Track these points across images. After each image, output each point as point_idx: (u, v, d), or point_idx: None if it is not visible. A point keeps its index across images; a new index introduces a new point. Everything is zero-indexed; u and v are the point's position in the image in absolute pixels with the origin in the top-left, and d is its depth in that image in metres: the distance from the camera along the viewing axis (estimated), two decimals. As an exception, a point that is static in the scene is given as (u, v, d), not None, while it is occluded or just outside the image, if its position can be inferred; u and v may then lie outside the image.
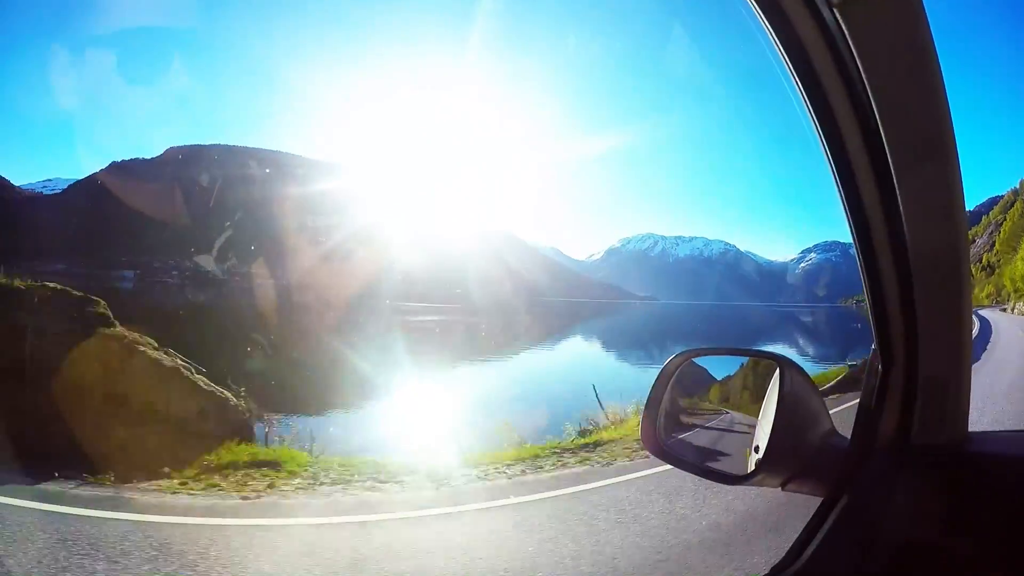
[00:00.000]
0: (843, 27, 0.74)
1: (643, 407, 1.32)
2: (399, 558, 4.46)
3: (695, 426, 1.36)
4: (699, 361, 1.39)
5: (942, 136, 0.84)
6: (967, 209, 0.97)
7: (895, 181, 0.87)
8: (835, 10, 0.73)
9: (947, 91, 0.80)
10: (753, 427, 1.21)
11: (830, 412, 1.18)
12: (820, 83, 0.82)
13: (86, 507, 5.10)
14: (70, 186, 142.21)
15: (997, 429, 1.51)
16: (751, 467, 1.14)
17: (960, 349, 1.06)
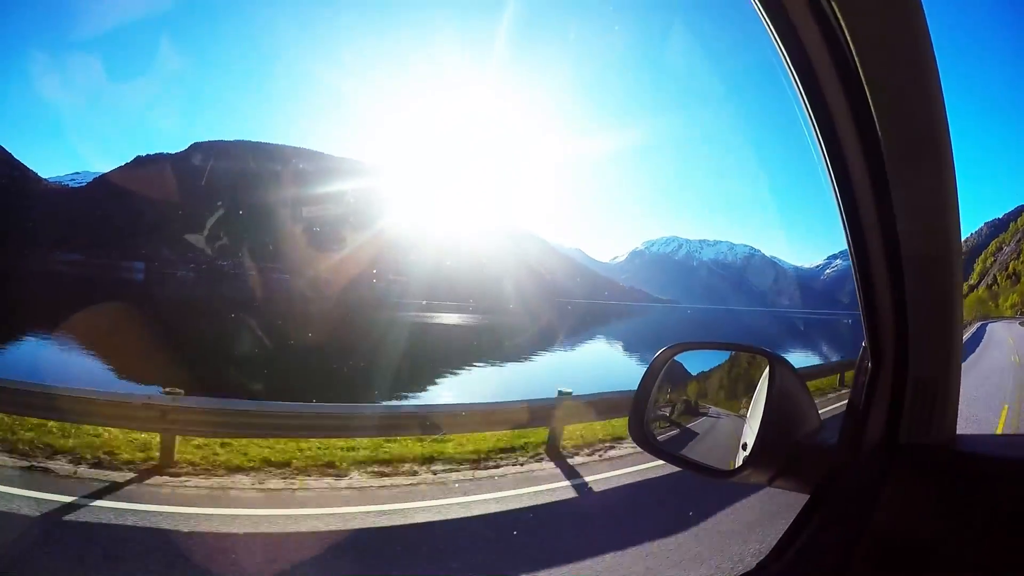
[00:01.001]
0: (845, 31, 0.75)
1: (632, 401, 1.31)
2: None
3: (684, 420, 1.36)
4: (689, 355, 1.38)
5: (937, 140, 0.85)
6: (959, 210, 0.94)
7: (889, 183, 0.88)
8: (838, 15, 0.74)
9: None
10: (742, 423, 1.21)
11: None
12: (818, 82, 0.82)
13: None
14: (95, 179, 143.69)
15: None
16: (739, 463, 1.13)
17: (950, 351, 1.06)
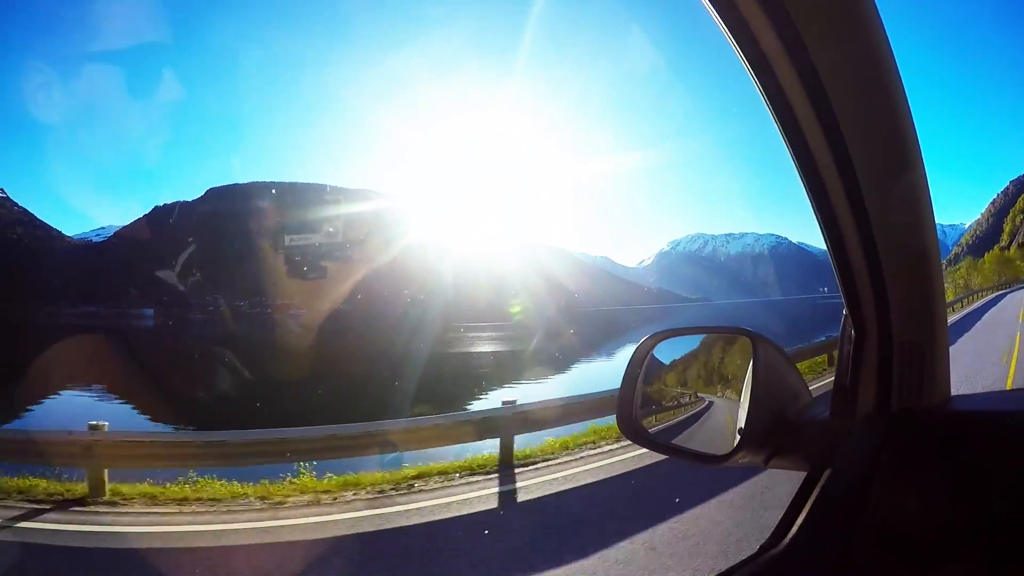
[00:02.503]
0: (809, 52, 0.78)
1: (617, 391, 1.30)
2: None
3: (675, 409, 1.35)
4: (674, 342, 1.37)
5: (891, 97, 0.86)
6: (926, 173, 0.95)
7: (850, 153, 0.88)
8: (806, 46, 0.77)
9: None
10: (736, 406, 1.20)
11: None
12: (775, 74, 0.83)
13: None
14: (115, 232, 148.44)
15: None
16: (734, 446, 1.12)
17: (933, 313, 1.06)
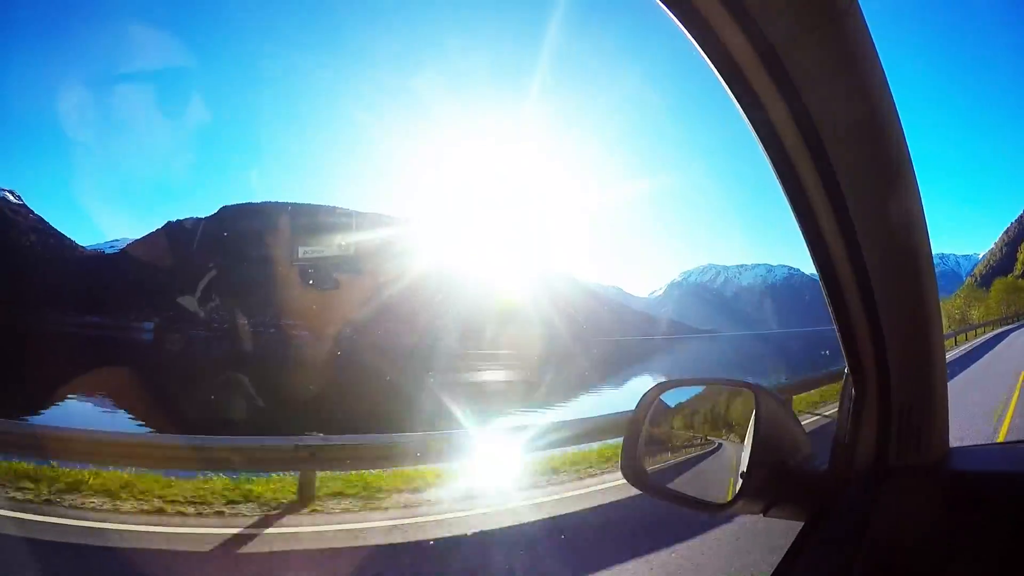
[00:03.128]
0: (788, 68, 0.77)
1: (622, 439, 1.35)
2: None
3: (678, 457, 1.38)
4: (679, 392, 1.42)
5: (897, 164, 0.87)
6: (927, 228, 0.95)
7: (850, 212, 0.88)
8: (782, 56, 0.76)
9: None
10: (737, 456, 1.22)
11: None
12: (766, 113, 0.82)
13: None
14: (128, 245, 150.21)
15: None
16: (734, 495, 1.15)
17: (931, 373, 1.08)
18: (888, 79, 0.83)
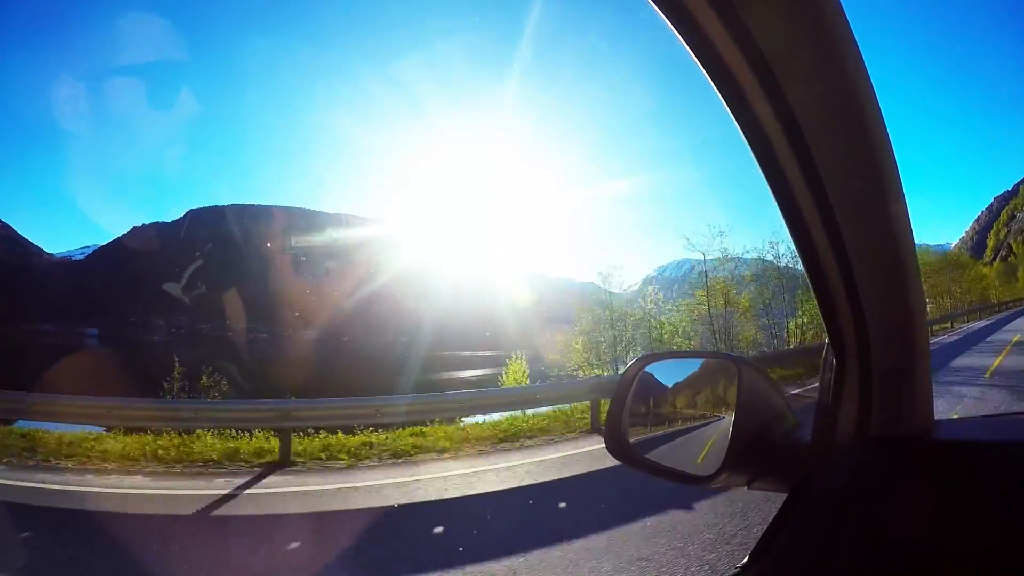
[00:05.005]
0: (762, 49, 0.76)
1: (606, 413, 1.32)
2: None
3: (662, 430, 1.35)
4: (663, 365, 1.40)
5: (874, 141, 0.86)
6: (904, 196, 0.94)
7: (822, 177, 0.88)
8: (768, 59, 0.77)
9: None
10: (722, 429, 1.18)
11: None
12: (741, 89, 0.81)
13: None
14: (93, 251, 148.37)
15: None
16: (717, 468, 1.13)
17: (913, 341, 1.06)
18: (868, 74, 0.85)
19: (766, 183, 0.92)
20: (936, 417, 1.15)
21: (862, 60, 0.80)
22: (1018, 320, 38.44)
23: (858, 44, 0.79)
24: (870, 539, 0.99)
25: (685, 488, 5.44)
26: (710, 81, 0.80)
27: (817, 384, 1.20)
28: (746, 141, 0.87)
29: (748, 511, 5.72)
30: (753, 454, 1.09)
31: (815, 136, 0.84)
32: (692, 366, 1.43)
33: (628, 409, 1.32)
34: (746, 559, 1.09)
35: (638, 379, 1.35)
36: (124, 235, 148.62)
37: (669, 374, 1.40)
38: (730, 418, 1.15)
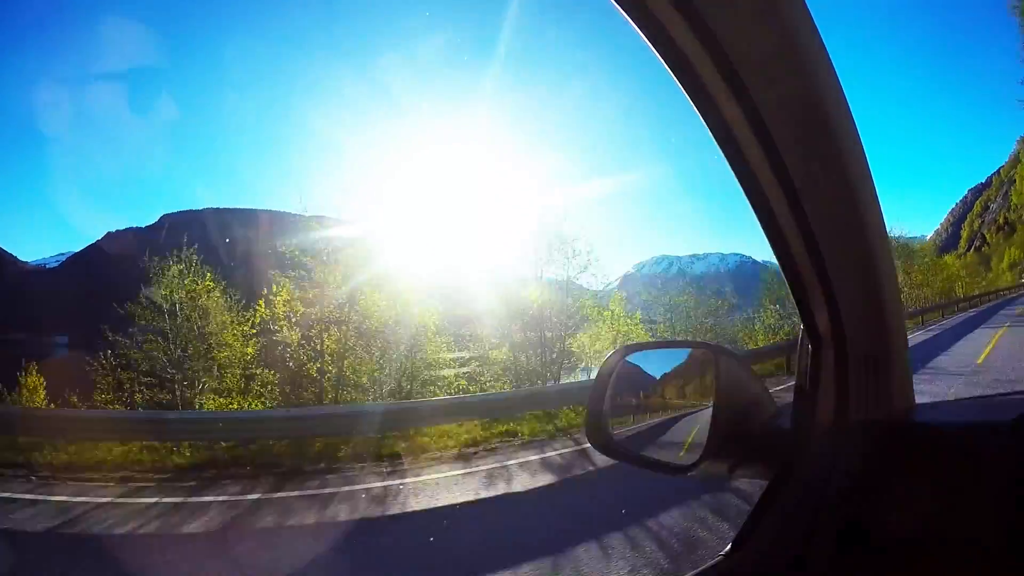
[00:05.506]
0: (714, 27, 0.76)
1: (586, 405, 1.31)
2: None
3: (643, 421, 1.34)
4: (644, 356, 1.39)
5: (834, 121, 0.88)
6: (872, 179, 0.96)
7: (790, 172, 0.88)
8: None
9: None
10: (703, 419, 1.18)
11: None
12: (701, 81, 0.81)
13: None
14: (67, 258, 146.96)
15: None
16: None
17: (888, 324, 1.08)
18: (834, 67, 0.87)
19: (736, 180, 0.92)
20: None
21: (826, 56, 0.83)
22: (986, 326, 25.53)
23: (823, 40, 0.81)
24: (852, 523, 0.99)
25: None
26: (676, 81, 0.81)
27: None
28: (715, 140, 0.88)
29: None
30: (733, 443, 1.09)
31: (781, 133, 0.85)
32: (673, 355, 1.42)
33: (609, 400, 1.31)
34: (728, 547, 1.10)
35: (618, 369, 1.33)
36: (99, 240, 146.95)
37: (650, 364, 1.38)
38: (710, 407, 1.14)
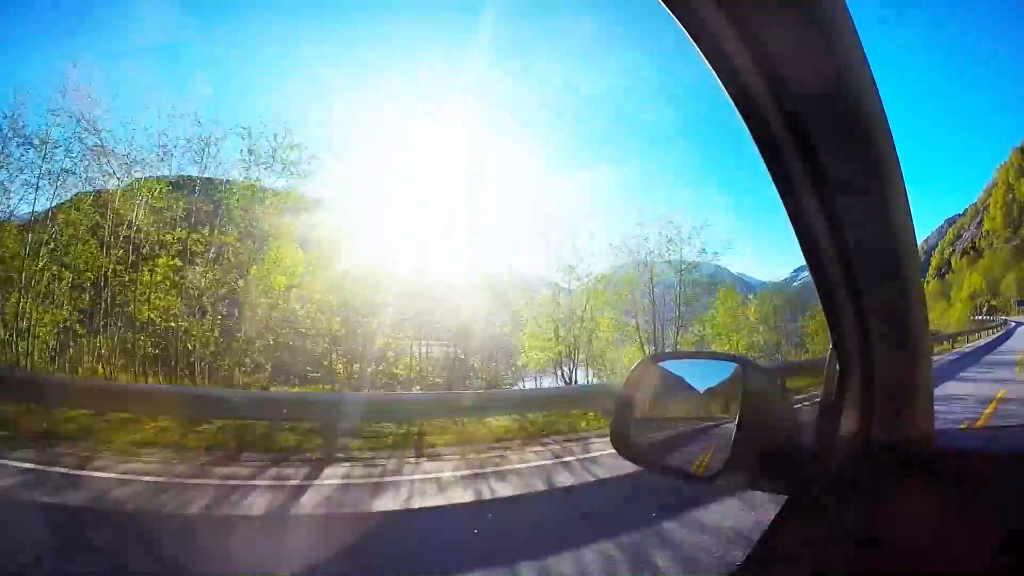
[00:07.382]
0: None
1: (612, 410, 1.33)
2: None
3: (667, 429, 1.37)
4: (670, 364, 1.42)
5: (879, 149, 0.87)
6: (910, 208, 0.97)
7: (830, 185, 0.89)
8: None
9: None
10: (727, 430, 1.19)
11: None
12: (754, 100, 0.81)
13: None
14: None
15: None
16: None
17: (915, 349, 1.09)
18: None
19: (775, 190, 0.93)
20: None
21: (865, 56, 0.81)
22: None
23: (863, 48, 0.80)
24: (868, 545, 1.00)
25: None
26: (719, 81, 0.80)
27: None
28: (757, 148, 0.88)
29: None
30: (755, 456, 1.10)
31: (823, 141, 0.85)
32: (700, 367, 1.44)
33: (635, 407, 1.33)
34: (744, 560, 1.12)
35: (646, 378, 1.35)
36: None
37: (678, 373, 1.42)
38: (735, 420, 1.17)
